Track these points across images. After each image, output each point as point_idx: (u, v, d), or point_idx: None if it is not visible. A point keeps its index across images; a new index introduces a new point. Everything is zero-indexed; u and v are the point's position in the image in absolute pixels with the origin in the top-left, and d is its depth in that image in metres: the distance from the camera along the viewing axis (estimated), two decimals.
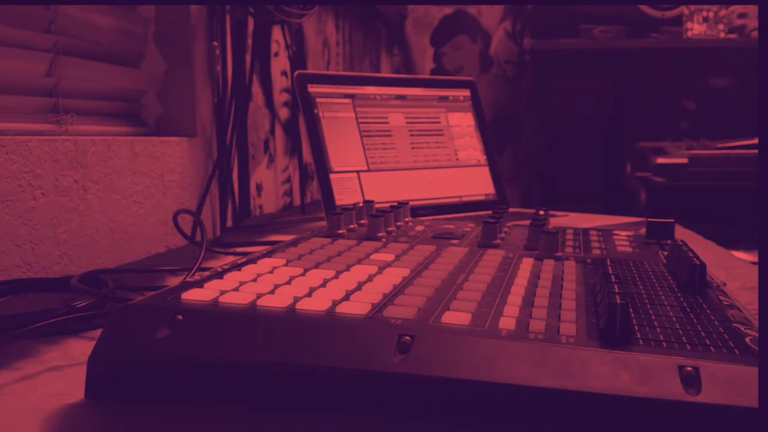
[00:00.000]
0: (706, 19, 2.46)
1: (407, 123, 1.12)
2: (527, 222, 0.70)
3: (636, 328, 0.41)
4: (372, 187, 1.03)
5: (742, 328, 0.40)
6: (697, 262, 0.52)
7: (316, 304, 0.42)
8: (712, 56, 2.58)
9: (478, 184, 1.16)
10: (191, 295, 0.44)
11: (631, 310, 0.42)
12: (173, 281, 0.73)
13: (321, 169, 0.99)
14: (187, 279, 0.49)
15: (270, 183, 1.43)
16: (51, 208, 0.75)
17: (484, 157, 1.18)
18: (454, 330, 0.39)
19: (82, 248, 0.80)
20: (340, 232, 0.68)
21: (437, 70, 2.77)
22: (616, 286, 0.43)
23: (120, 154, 0.87)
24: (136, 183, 0.90)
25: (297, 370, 0.38)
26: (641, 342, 0.38)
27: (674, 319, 0.43)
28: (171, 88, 1.07)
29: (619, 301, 0.40)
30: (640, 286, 0.51)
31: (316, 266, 0.53)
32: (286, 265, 0.53)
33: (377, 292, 0.46)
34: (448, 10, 2.77)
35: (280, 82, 1.48)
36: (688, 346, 0.38)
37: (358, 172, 1.03)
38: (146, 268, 0.84)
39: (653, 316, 0.43)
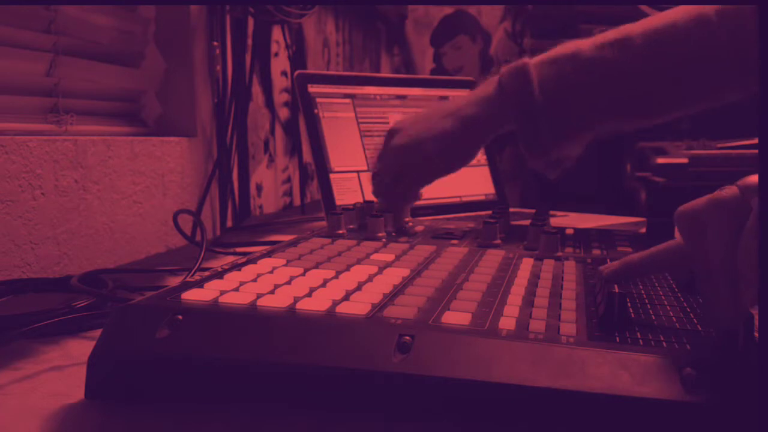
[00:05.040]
0: None
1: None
2: (527, 222, 0.70)
3: (635, 322, 0.41)
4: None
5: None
6: None
7: (316, 304, 0.42)
8: None
9: (478, 184, 1.16)
10: (191, 295, 0.44)
11: (628, 300, 0.43)
12: (173, 281, 0.73)
13: (321, 169, 0.99)
14: (187, 279, 0.49)
15: (270, 183, 1.43)
16: (51, 208, 0.75)
17: (484, 157, 1.18)
18: (454, 330, 0.39)
19: (82, 248, 0.80)
20: (340, 232, 0.68)
21: (437, 70, 2.77)
22: (615, 285, 0.43)
23: (120, 154, 0.87)
24: (136, 183, 0.90)
25: (297, 370, 0.38)
26: (641, 342, 0.38)
27: (674, 319, 0.43)
28: (171, 88, 1.07)
29: (617, 290, 0.41)
30: (640, 286, 0.51)
31: (316, 266, 0.53)
32: (286, 265, 0.53)
33: (377, 292, 0.46)
34: (448, 10, 2.77)
35: (280, 82, 1.48)
36: (688, 346, 0.38)
37: (358, 172, 1.03)
38: (146, 268, 0.84)
39: (653, 316, 0.43)
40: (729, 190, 0.39)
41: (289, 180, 1.55)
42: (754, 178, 0.38)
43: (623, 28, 0.65)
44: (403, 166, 0.73)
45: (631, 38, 0.63)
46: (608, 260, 0.60)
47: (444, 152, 0.70)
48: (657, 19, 0.64)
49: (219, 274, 0.49)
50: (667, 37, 0.62)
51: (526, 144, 0.67)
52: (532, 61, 0.67)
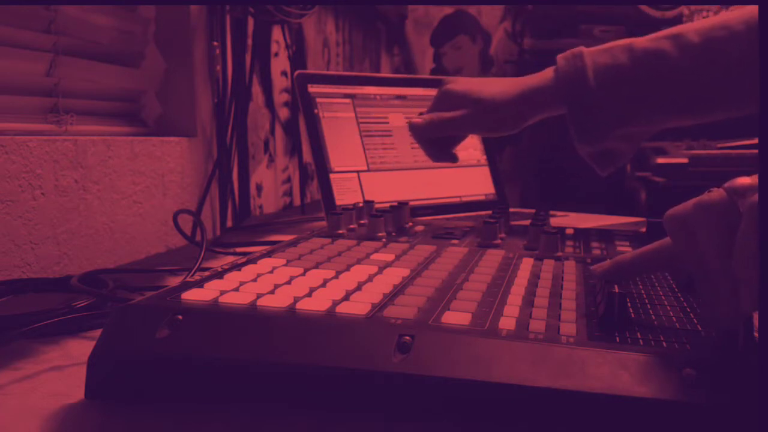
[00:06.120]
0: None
1: (407, 123, 1.12)
2: (527, 222, 0.70)
3: (635, 322, 0.41)
4: (372, 187, 1.03)
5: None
6: None
7: (316, 304, 0.42)
8: None
9: (478, 184, 1.16)
10: (191, 295, 0.44)
11: (628, 300, 0.43)
12: (173, 281, 0.73)
13: (321, 169, 0.99)
14: (187, 279, 0.49)
15: (270, 183, 1.43)
16: (51, 208, 0.75)
17: (484, 157, 1.18)
18: (454, 330, 0.39)
19: (82, 248, 0.80)
20: (340, 232, 0.68)
21: (437, 70, 2.77)
22: (615, 285, 0.43)
23: (120, 154, 0.87)
24: (136, 183, 0.90)
25: (297, 370, 0.38)
26: (641, 342, 0.38)
27: (674, 319, 0.43)
28: (171, 88, 1.07)
29: (617, 290, 0.41)
30: (640, 286, 0.51)
31: (316, 266, 0.53)
32: (286, 265, 0.53)
33: (377, 292, 0.46)
34: (448, 10, 2.77)
35: (280, 82, 1.48)
36: (688, 346, 0.38)
37: (358, 172, 1.03)
38: (146, 268, 0.84)
39: (653, 316, 0.43)
40: (716, 193, 0.39)
41: (289, 180, 1.55)
42: (741, 180, 0.38)
43: (679, 26, 0.68)
44: (455, 107, 0.74)
45: (686, 34, 0.65)
46: (608, 260, 0.60)
47: (497, 108, 0.72)
48: (713, 19, 0.66)
49: (219, 274, 0.49)
50: (720, 37, 0.64)
51: (576, 129, 0.69)
52: (587, 49, 0.69)
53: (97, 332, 0.43)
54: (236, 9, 1.16)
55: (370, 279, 0.50)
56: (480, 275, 0.52)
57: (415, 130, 0.77)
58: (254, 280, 0.48)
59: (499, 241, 0.66)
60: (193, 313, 0.41)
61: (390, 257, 0.57)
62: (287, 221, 1.23)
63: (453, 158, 0.80)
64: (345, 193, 0.99)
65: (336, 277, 0.50)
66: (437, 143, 0.78)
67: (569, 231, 0.74)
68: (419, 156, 1.12)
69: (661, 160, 2.20)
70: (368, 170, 1.04)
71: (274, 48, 1.45)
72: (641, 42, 0.67)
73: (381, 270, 0.52)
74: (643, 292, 0.49)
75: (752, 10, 0.64)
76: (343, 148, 1.03)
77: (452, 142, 0.79)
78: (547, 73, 0.71)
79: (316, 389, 0.38)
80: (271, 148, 1.44)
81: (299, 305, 0.42)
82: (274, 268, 0.52)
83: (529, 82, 0.71)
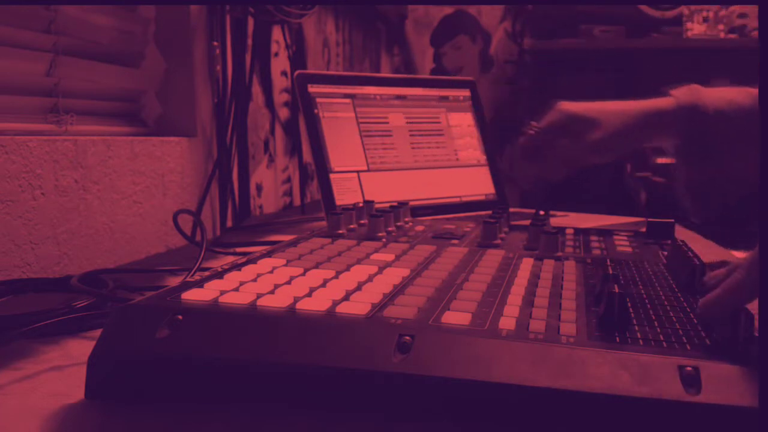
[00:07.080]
0: (706, 19, 2.46)
1: (407, 123, 1.12)
2: (527, 222, 0.70)
3: (635, 322, 0.41)
4: (372, 187, 1.03)
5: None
6: (697, 262, 0.52)
7: (316, 304, 0.42)
8: (712, 56, 2.57)
9: (478, 184, 1.16)
10: (191, 295, 0.44)
11: (628, 300, 0.43)
12: (173, 281, 0.73)
13: (321, 169, 0.99)
14: (187, 279, 0.49)
15: (270, 183, 1.43)
16: (51, 208, 0.75)
17: (484, 157, 1.18)
18: (454, 330, 0.39)
19: (82, 248, 0.80)
20: (340, 232, 0.68)
21: (437, 70, 2.77)
22: (615, 285, 0.43)
23: (120, 154, 0.87)
24: (136, 183, 0.90)
25: (297, 370, 0.38)
26: (641, 342, 0.38)
27: (674, 319, 0.43)
28: (171, 88, 1.07)
29: (617, 290, 0.41)
30: (640, 286, 0.51)
31: (316, 266, 0.53)
32: (286, 265, 0.53)
33: (377, 292, 0.46)
34: (448, 10, 2.77)
35: (280, 82, 1.48)
36: (688, 346, 0.38)
37: (358, 172, 1.03)
38: (146, 268, 0.84)
39: (653, 316, 0.43)
40: None
41: (289, 180, 1.55)
42: None
43: None
44: (563, 129, 0.77)
45: None
46: (608, 260, 0.60)
47: (611, 128, 0.74)
48: None
49: (219, 274, 0.49)
50: None
51: (691, 151, 0.73)
52: (699, 86, 0.73)
53: (97, 332, 0.43)
54: (236, 9, 1.16)
55: (370, 279, 0.50)
56: (480, 275, 0.52)
57: (523, 157, 0.82)
58: (254, 280, 0.48)
59: (499, 241, 0.66)
60: (193, 313, 0.41)
61: (390, 257, 0.57)
62: (287, 221, 1.23)
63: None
64: (345, 193, 0.99)
65: (336, 277, 0.50)
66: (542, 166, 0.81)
67: (569, 231, 0.74)
68: (419, 156, 1.12)
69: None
70: (368, 170, 1.04)
71: (274, 48, 1.45)
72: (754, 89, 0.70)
73: (381, 270, 0.52)
74: (643, 292, 0.49)
75: None
76: (343, 148, 1.03)
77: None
78: (666, 100, 0.74)
79: (316, 389, 0.38)
80: (271, 148, 1.44)
81: (299, 305, 0.42)
82: (274, 268, 0.52)
83: (648, 106, 0.74)
